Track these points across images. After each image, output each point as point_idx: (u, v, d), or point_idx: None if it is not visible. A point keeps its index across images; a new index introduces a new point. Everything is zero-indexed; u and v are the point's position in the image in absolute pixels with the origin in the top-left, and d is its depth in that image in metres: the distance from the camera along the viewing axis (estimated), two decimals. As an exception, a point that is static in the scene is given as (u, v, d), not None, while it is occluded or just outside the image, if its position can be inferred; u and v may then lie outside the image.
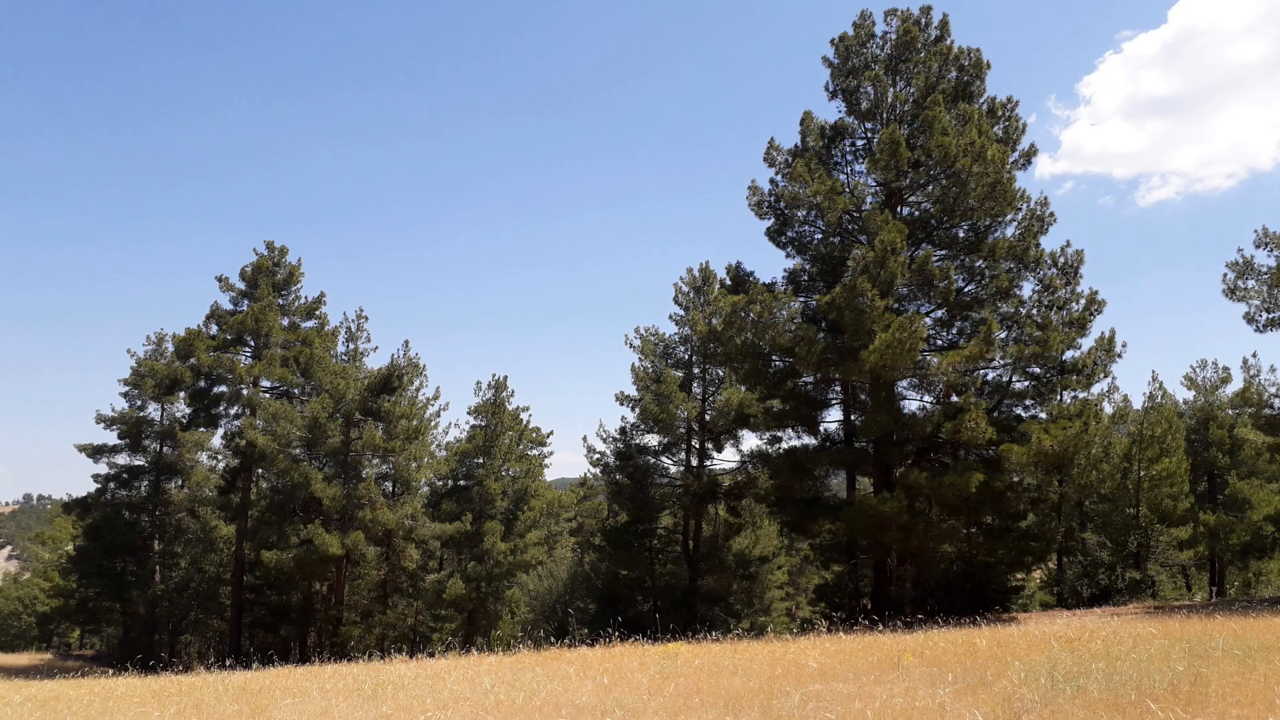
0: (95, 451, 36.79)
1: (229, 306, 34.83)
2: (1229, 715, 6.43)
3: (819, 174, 21.68)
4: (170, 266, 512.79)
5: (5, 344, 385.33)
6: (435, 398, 34.26)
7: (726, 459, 32.71)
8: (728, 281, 24.91)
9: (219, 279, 34.92)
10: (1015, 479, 22.88)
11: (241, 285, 35.05)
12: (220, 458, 37.93)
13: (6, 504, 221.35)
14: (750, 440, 48.80)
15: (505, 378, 33.90)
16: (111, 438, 36.88)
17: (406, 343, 35.45)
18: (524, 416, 34.46)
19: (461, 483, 33.86)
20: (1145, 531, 28.80)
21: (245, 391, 33.49)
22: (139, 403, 37.20)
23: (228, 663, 20.97)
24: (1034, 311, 22.10)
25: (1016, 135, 22.63)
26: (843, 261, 22.36)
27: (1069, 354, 24.12)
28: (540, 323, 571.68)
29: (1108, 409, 29.41)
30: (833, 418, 24.27)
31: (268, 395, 33.90)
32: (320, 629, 31.60)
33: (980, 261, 22.11)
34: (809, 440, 24.10)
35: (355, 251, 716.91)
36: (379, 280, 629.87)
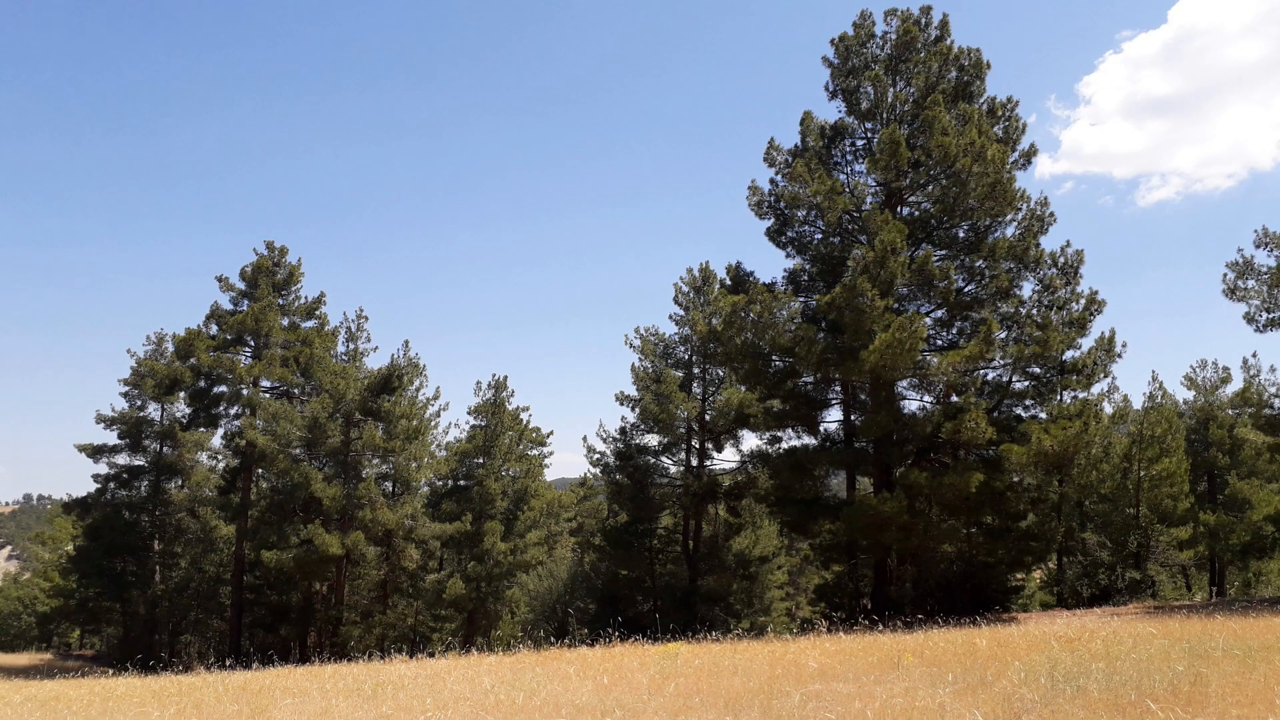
0: (95, 451, 36.80)
1: (229, 306, 34.87)
2: (1229, 715, 6.42)
3: (819, 174, 21.68)
4: (170, 266, 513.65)
5: (5, 344, 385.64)
6: (435, 398, 34.34)
7: (726, 459, 32.76)
8: (728, 281, 24.91)
9: (219, 279, 34.98)
10: (1015, 479, 22.88)
11: (241, 285, 35.07)
12: (220, 458, 37.95)
13: (6, 504, 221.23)
14: (750, 440, 48.86)
15: (505, 378, 33.99)
16: (111, 438, 36.96)
17: (406, 343, 35.54)
18: (524, 416, 34.52)
19: (461, 483, 33.88)
20: (1145, 531, 28.79)
21: (245, 391, 33.50)
22: (139, 403, 37.23)
23: (228, 663, 20.97)
24: (1034, 311, 22.09)
25: (1016, 135, 22.63)
26: (843, 261, 22.35)
27: (1069, 354, 24.13)
28: (540, 323, 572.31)
29: (1108, 409, 29.43)
30: (833, 418, 24.31)
31: (268, 395, 33.90)
32: (320, 629, 31.59)
33: (980, 261, 22.10)
34: (809, 440, 24.10)
35: (355, 251, 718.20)
36: (379, 280, 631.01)
